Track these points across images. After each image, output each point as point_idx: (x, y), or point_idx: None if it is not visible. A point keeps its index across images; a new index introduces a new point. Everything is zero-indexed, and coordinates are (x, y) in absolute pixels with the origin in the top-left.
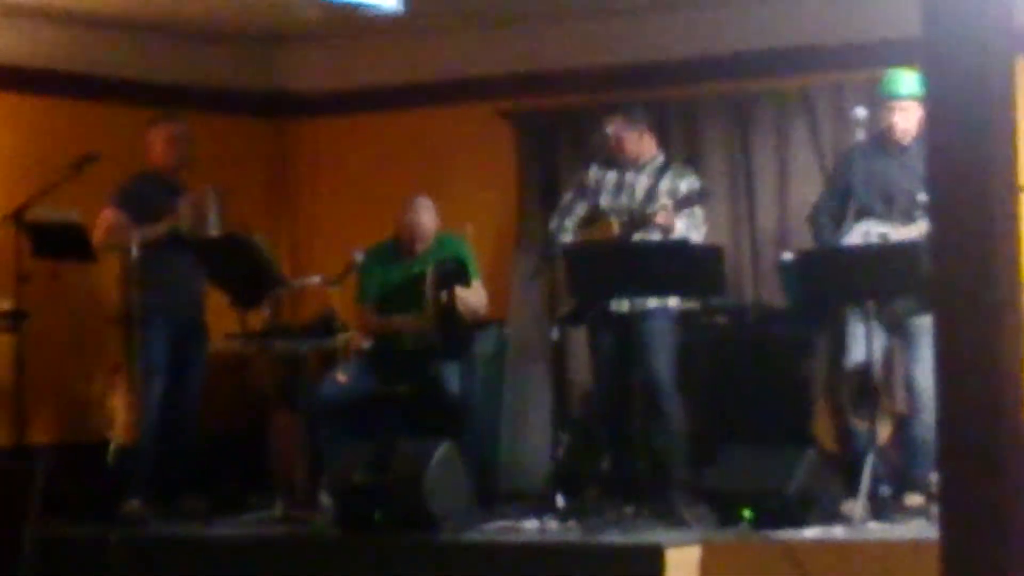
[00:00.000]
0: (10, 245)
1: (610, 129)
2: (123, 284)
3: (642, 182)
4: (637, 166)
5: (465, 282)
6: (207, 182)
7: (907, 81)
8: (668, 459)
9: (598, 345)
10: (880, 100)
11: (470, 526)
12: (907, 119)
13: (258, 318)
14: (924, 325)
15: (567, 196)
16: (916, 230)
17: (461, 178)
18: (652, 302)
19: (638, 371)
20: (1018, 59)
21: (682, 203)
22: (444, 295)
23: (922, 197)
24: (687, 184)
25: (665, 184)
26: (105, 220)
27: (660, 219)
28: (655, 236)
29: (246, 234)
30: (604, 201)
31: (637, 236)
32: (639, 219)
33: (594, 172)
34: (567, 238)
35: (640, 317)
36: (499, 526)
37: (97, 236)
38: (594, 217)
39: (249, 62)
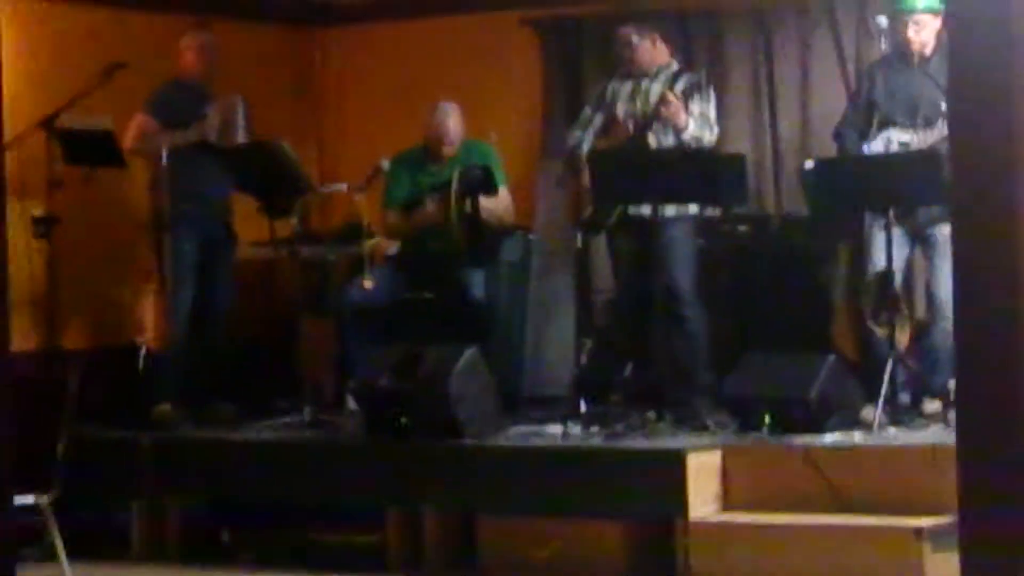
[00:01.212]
0: (42, 152)
1: (623, 38)
2: (152, 191)
3: (655, 88)
4: (651, 73)
5: (491, 189)
6: (236, 90)
7: None
8: (689, 366)
9: (618, 251)
10: (896, 14)
11: (494, 431)
12: (924, 33)
13: (286, 225)
14: (946, 234)
15: (586, 110)
16: (937, 133)
17: (487, 86)
18: (672, 209)
19: (659, 278)
20: None
21: (688, 91)
22: (468, 203)
23: (945, 106)
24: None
25: (679, 89)
26: (136, 125)
27: (668, 104)
28: (669, 138)
29: (273, 141)
30: (619, 109)
31: (651, 137)
32: (651, 115)
33: (611, 84)
34: (586, 148)
35: (660, 224)
36: (523, 431)
37: (127, 141)
38: (610, 125)
39: None
